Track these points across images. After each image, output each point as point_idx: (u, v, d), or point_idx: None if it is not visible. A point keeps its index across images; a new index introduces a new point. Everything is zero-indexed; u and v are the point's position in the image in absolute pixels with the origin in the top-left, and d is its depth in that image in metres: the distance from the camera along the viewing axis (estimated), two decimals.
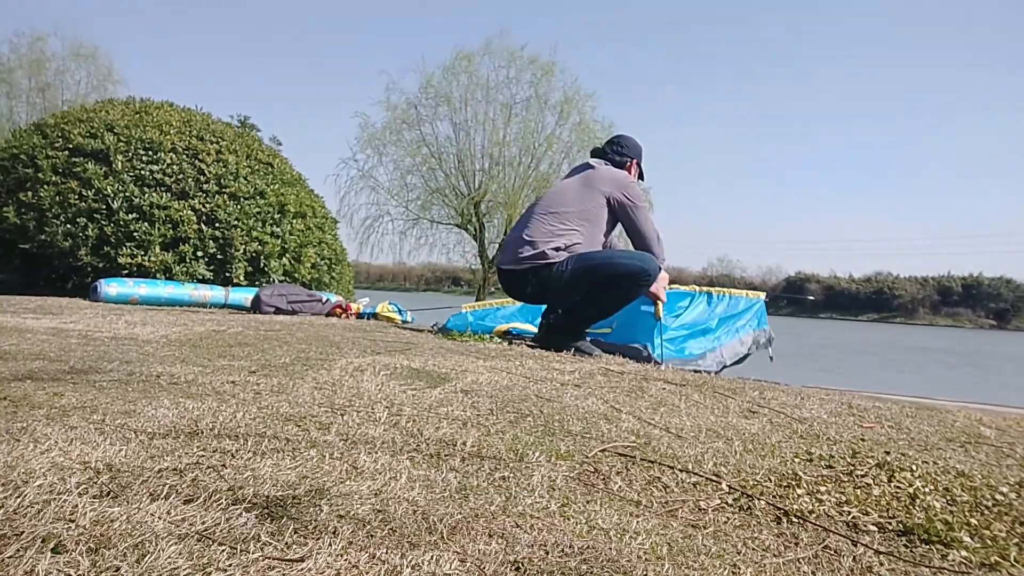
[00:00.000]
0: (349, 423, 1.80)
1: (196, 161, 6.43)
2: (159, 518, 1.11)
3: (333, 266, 7.44)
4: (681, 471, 1.67)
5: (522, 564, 1.09)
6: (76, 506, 1.12)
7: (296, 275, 6.78)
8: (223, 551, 1.02)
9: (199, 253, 6.11)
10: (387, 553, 1.07)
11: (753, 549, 1.28)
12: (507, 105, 22.21)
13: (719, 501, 1.51)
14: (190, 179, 6.28)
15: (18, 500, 1.12)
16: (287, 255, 6.71)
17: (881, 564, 1.26)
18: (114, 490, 1.21)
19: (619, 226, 4.03)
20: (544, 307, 4.07)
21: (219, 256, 6.22)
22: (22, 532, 1.01)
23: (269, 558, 1.02)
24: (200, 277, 6.06)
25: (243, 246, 6.29)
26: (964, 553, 1.32)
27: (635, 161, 4.06)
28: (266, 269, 6.47)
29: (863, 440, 2.13)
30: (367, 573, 1.01)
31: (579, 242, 3.78)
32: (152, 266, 5.86)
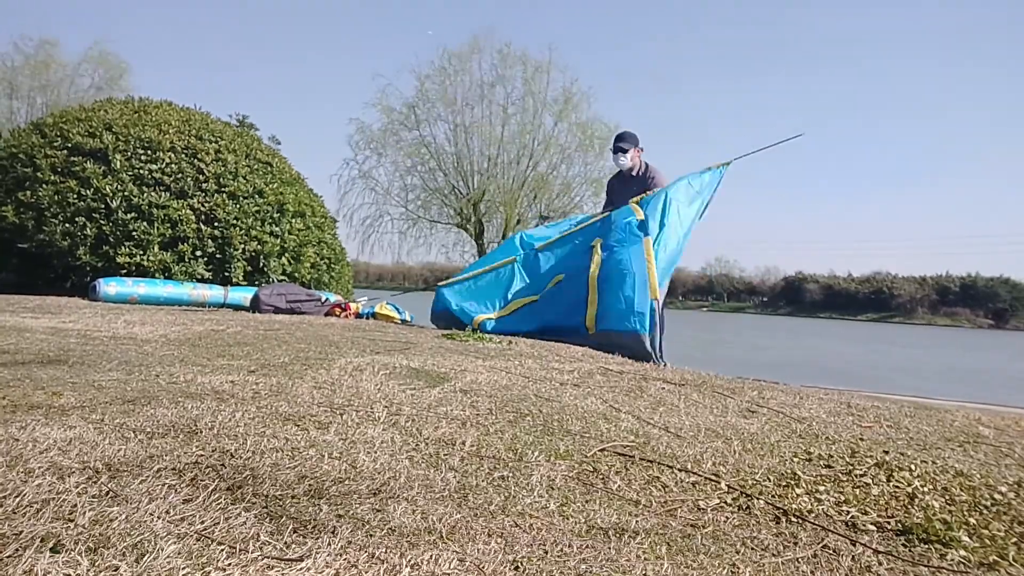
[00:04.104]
0: (348, 423, 1.80)
1: (195, 160, 6.42)
2: (158, 518, 1.11)
3: (332, 265, 7.43)
4: (680, 471, 1.67)
5: (521, 563, 1.09)
6: (75, 506, 1.12)
7: (295, 274, 6.77)
8: (222, 550, 1.02)
9: (198, 252, 6.10)
10: (386, 553, 1.07)
11: (752, 548, 1.28)
12: (503, 105, 22.16)
13: (718, 501, 1.51)
14: (189, 178, 6.27)
15: (17, 499, 1.12)
16: (286, 254, 6.70)
17: (880, 563, 1.26)
18: (113, 490, 1.21)
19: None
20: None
21: (218, 255, 6.21)
22: (21, 532, 1.01)
23: (268, 558, 1.02)
24: (199, 276, 6.04)
25: (242, 245, 6.28)
26: (963, 552, 1.32)
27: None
28: (265, 268, 6.46)
29: (862, 440, 2.13)
30: (366, 573, 1.01)
31: None
32: (151, 265, 5.85)
